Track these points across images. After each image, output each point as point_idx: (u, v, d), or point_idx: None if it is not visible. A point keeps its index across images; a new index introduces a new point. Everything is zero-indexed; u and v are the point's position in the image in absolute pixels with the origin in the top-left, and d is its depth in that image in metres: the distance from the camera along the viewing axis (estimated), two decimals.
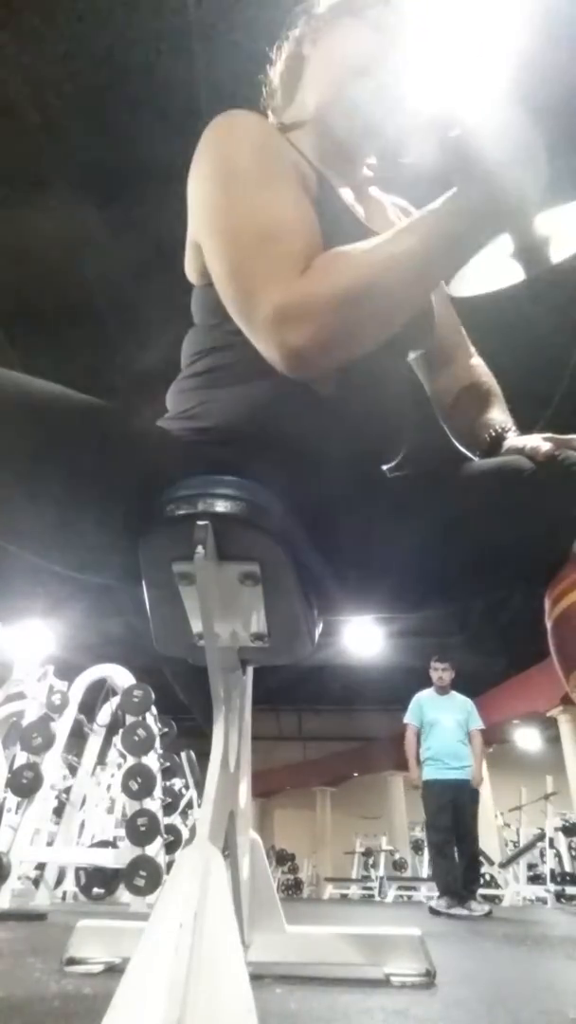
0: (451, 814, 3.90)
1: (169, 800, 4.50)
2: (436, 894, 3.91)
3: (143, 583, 0.67)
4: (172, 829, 4.47)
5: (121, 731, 3.62)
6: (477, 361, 1.02)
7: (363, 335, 0.66)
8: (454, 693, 4.28)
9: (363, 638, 9.31)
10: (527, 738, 11.86)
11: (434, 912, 3.70)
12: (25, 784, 3.29)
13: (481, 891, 5.45)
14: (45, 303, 4.44)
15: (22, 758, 3.45)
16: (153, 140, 3.47)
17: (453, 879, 3.81)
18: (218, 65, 3.13)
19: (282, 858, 12.02)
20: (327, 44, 0.90)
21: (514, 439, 0.82)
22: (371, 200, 0.97)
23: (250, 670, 0.89)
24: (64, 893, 4.38)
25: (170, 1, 2.93)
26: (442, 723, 4.10)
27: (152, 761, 3.48)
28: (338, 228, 0.77)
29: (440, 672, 4.27)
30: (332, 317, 0.63)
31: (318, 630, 0.82)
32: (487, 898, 6.78)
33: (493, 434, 0.86)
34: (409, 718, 4.22)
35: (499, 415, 0.91)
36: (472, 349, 1.03)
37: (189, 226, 0.81)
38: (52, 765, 3.55)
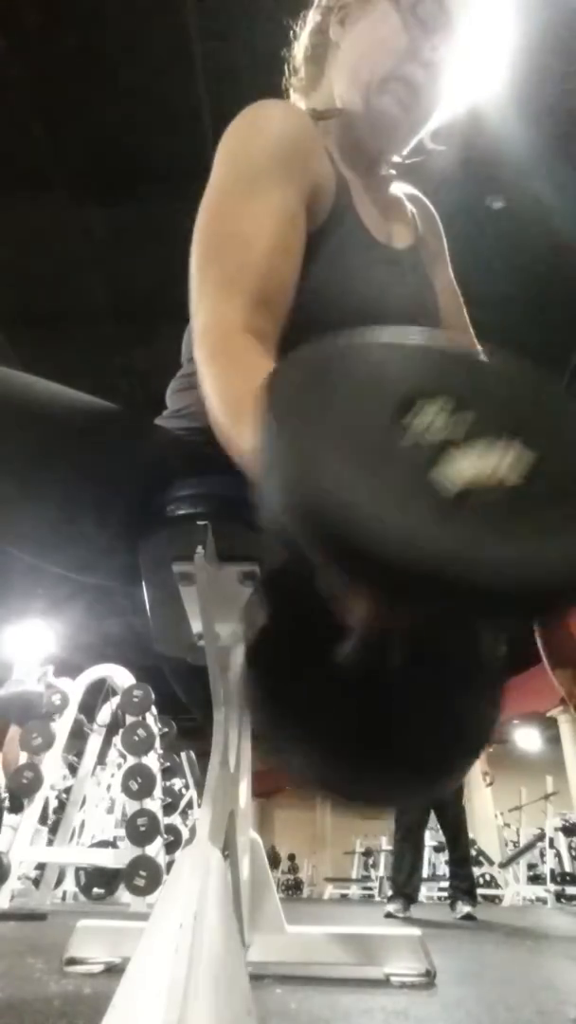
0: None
1: (169, 800, 4.49)
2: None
3: (143, 583, 0.67)
4: (172, 829, 4.47)
5: (121, 731, 3.62)
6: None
7: None
8: None
9: None
10: (527, 738, 11.85)
11: (390, 916, 3.30)
12: (25, 784, 3.29)
13: (481, 891, 5.36)
14: (45, 303, 4.43)
15: (22, 758, 3.45)
16: (155, 141, 3.47)
17: (407, 880, 3.48)
18: (220, 67, 3.12)
19: (274, 860, 11.91)
20: (356, 29, 0.80)
21: None
22: (391, 200, 0.91)
23: None
24: (64, 893, 4.37)
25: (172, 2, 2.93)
26: None
27: (152, 761, 3.48)
28: (346, 249, 0.76)
29: None
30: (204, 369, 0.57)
31: None
32: (487, 898, 6.80)
33: None
34: None
35: None
36: (475, 344, 1.02)
37: None
38: (52, 765, 3.55)
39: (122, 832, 3.70)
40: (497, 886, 7.45)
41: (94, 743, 4.19)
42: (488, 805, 9.35)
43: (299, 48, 0.88)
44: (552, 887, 6.73)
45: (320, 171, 0.74)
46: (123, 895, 3.81)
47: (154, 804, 3.35)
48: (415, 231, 0.91)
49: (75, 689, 3.90)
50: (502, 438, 0.32)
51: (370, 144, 0.82)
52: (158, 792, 3.48)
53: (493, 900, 7.05)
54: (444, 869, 5.36)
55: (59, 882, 4.17)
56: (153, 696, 3.64)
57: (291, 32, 0.89)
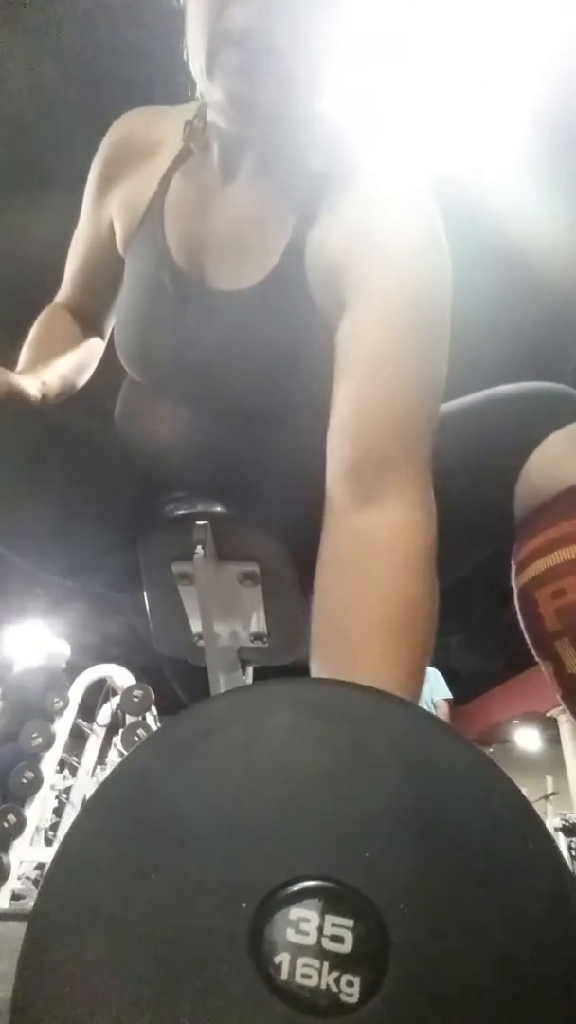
0: None
1: None
2: None
3: (143, 583, 0.67)
4: None
5: (121, 731, 3.62)
6: None
7: None
8: None
9: None
10: (527, 738, 11.85)
11: None
12: (25, 784, 3.30)
13: None
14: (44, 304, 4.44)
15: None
16: None
17: None
18: None
19: None
20: None
21: None
22: (259, 211, 0.68)
23: (250, 670, 0.89)
24: None
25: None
26: None
27: None
28: (134, 279, 0.74)
29: None
30: None
31: None
32: None
33: None
34: None
35: None
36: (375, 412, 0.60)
37: None
38: (52, 765, 3.55)
39: None
40: None
41: (94, 743, 4.19)
42: None
43: None
44: None
45: (131, 184, 0.77)
46: None
47: None
48: (284, 258, 0.64)
49: (75, 689, 3.90)
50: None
51: (237, 131, 0.64)
52: None
53: None
54: None
55: None
56: (153, 696, 3.64)
57: None
